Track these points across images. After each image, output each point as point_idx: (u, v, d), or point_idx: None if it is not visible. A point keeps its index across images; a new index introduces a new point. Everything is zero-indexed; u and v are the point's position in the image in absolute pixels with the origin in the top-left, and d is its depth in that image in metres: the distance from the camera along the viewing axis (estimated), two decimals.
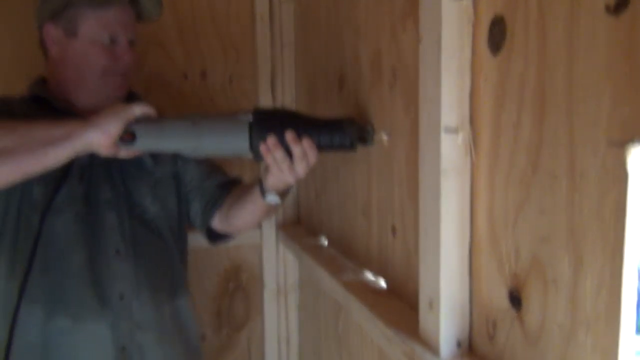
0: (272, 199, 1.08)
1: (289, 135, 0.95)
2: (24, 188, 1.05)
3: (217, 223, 1.25)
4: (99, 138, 0.94)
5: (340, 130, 0.97)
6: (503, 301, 0.71)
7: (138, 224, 1.16)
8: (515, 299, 0.69)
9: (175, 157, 1.25)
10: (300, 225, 1.71)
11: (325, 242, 1.46)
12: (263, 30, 1.66)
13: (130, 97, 1.21)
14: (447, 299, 0.78)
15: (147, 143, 0.99)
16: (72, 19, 1.11)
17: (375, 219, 1.10)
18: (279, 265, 1.75)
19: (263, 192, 1.08)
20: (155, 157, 1.20)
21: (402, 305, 0.97)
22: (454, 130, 0.75)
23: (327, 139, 0.97)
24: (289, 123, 0.97)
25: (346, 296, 1.08)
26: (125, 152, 1.00)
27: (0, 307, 1.06)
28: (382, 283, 1.09)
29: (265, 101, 1.69)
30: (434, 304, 0.79)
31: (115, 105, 1.01)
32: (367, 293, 1.05)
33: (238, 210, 1.19)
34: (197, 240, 1.34)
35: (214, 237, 1.29)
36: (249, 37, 1.69)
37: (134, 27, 1.17)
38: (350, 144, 0.98)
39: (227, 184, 1.27)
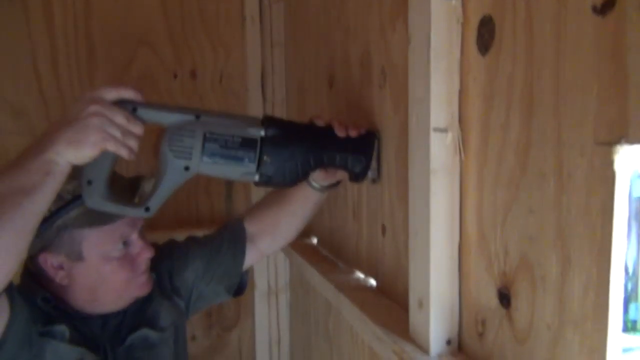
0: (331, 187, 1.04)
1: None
2: None
3: (262, 244, 1.15)
4: (76, 154, 0.78)
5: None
6: (492, 300, 0.72)
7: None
8: (504, 298, 0.69)
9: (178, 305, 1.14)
10: None
11: (316, 242, 1.46)
12: (253, 30, 1.66)
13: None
14: (437, 297, 0.78)
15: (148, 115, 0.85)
16: (73, 242, 0.94)
17: (365, 218, 1.10)
18: (269, 265, 1.75)
19: (313, 187, 1.02)
20: (155, 324, 1.07)
21: (392, 305, 0.97)
22: (443, 130, 0.75)
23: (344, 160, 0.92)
24: (303, 143, 0.90)
25: (336, 296, 1.08)
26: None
27: None
28: (372, 282, 1.09)
29: (255, 100, 1.68)
30: (423, 303, 0.80)
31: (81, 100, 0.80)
32: (357, 292, 1.05)
33: (286, 212, 1.10)
34: None
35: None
36: (239, 36, 1.68)
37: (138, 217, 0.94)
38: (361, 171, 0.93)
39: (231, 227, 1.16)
